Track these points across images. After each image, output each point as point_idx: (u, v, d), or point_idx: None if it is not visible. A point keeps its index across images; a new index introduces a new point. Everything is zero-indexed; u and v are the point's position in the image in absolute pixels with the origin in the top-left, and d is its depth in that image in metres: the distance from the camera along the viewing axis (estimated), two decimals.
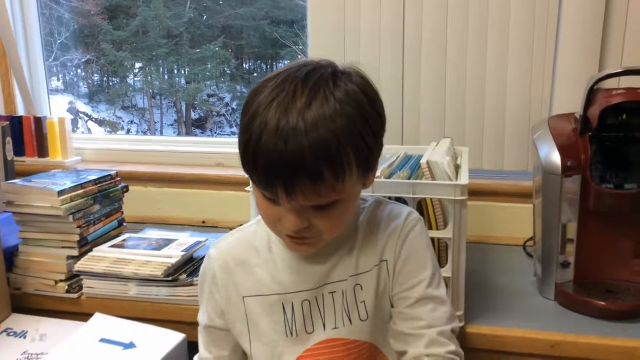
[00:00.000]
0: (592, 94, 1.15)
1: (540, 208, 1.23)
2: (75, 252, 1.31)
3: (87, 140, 2.01)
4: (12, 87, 1.97)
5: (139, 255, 1.30)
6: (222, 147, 1.88)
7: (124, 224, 1.49)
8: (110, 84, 2.84)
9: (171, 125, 3.33)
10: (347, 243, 0.87)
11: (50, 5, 2.15)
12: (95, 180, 1.39)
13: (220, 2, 2.19)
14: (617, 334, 1.07)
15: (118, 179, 1.46)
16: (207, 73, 2.50)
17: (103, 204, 1.40)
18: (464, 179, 1.08)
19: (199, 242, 1.36)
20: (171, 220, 1.77)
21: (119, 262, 1.28)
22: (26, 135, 1.91)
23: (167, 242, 1.37)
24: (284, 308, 0.87)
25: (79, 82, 2.71)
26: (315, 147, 0.69)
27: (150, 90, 2.94)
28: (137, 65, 2.53)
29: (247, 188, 1.18)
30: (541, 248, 1.24)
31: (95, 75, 2.70)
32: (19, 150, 1.90)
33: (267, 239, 0.90)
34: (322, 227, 0.78)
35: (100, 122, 3.12)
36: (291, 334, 0.87)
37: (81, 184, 1.35)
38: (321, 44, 1.62)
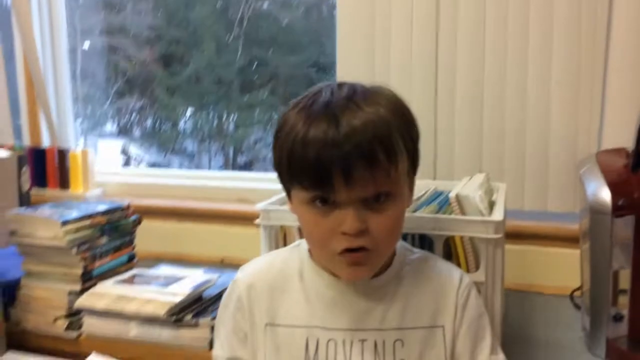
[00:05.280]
0: None
1: (588, 253, 1.09)
2: (77, 287, 1.23)
3: (111, 175, 1.96)
4: (39, 119, 1.96)
5: (142, 292, 1.20)
6: (245, 183, 1.81)
7: (135, 259, 1.40)
8: (162, 128, 2.91)
9: (219, 168, 3.38)
10: (389, 289, 0.82)
11: (108, 54, 2.26)
12: (104, 211, 1.32)
13: (270, 52, 2.24)
14: None
15: (130, 210, 1.39)
16: (255, 119, 2.54)
17: (112, 237, 1.32)
18: (498, 214, 0.96)
19: (208, 281, 1.26)
20: (189, 258, 1.68)
21: (122, 300, 1.19)
22: (49, 167, 1.88)
23: (177, 279, 1.27)
24: (307, 344, 0.81)
25: (132, 126, 2.78)
26: (367, 128, 0.70)
27: (200, 135, 2.99)
28: (189, 110, 2.60)
29: (257, 221, 1.09)
30: (590, 298, 1.09)
31: (148, 119, 2.78)
32: (42, 182, 1.87)
33: (300, 267, 0.85)
34: (378, 232, 0.74)
35: (152, 165, 3.18)
36: None
37: (89, 214, 1.27)
38: None
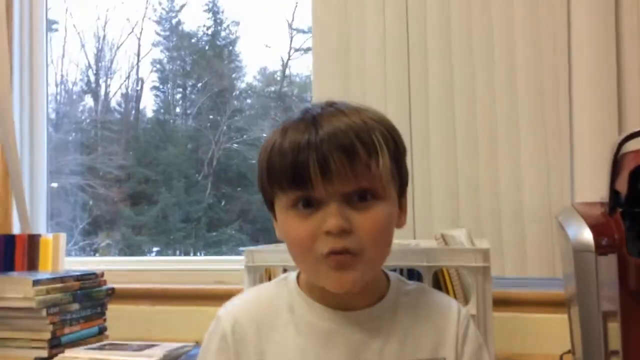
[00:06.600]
0: (617, 162, 1.06)
1: (577, 314, 1.07)
2: (44, 353, 1.15)
3: (80, 263, 1.90)
4: (10, 206, 1.93)
5: (115, 356, 1.13)
6: (223, 265, 1.77)
7: (106, 332, 1.33)
8: None
9: None
10: (386, 319, 0.77)
11: (76, 193, 2.27)
12: (77, 276, 1.27)
13: (239, 189, 2.31)
14: None
15: (103, 279, 1.34)
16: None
17: (83, 304, 1.27)
18: (484, 244, 0.96)
19: (185, 346, 1.20)
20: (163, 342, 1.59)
21: None
22: (17, 253, 1.81)
23: (151, 346, 1.21)
24: None
25: None
26: (345, 125, 0.70)
27: None
28: (155, 248, 2.62)
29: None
30: (581, 344, 1.06)
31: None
32: (10, 268, 1.80)
33: (289, 300, 0.79)
34: (363, 233, 0.71)
35: None
36: None
37: (61, 277, 1.23)
38: None
